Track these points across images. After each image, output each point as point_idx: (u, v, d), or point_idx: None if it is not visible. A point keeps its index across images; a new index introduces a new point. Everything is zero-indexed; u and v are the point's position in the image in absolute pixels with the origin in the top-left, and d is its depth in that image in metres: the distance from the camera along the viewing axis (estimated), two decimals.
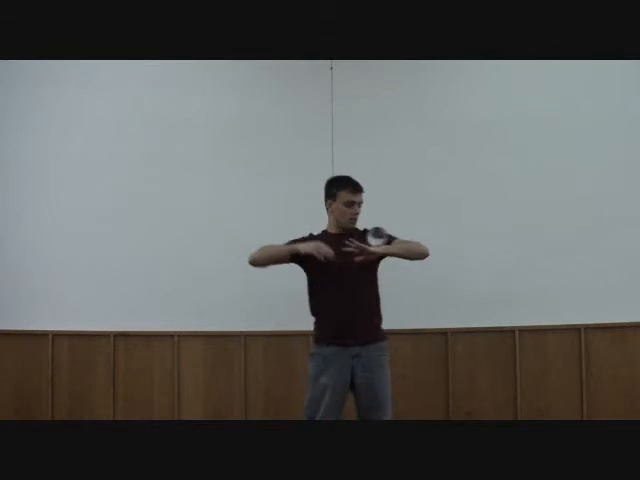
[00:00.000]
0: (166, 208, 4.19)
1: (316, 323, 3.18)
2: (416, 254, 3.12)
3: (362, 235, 3.11)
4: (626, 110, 4.15)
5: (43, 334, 4.14)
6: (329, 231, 3.25)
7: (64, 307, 4.16)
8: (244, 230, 4.12)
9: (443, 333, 4.07)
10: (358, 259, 2.98)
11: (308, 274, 3.19)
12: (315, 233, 3.24)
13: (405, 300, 4.05)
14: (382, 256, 3.12)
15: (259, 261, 3.08)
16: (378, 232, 3.05)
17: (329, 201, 3.20)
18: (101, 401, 4.12)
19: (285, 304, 3.93)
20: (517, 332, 4.04)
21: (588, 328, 4.02)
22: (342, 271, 3.05)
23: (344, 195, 3.14)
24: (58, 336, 4.15)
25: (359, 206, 3.17)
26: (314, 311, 3.18)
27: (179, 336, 4.11)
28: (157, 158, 4.21)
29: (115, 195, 4.20)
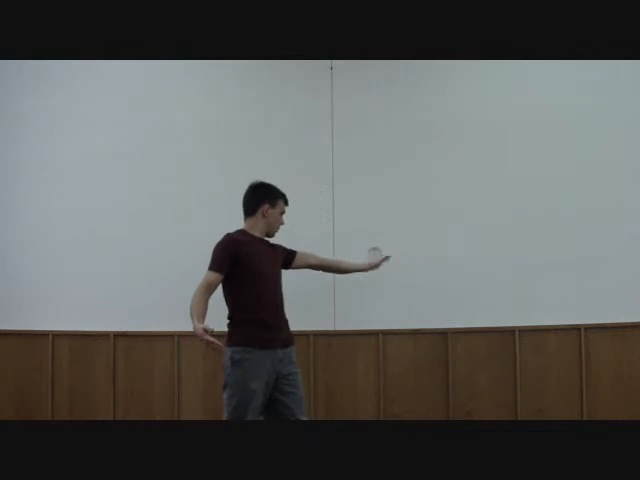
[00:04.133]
0: (166, 208, 4.18)
1: (242, 324, 3.06)
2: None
3: (273, 247, 3.20)
4: (627, 110, 4.15)
5: (43, 334, 4.14)
6: (253, 234, 3.15)
7: (64, 307, 4.16)
8: None
9: (443, 333, 4.06)
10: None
11: (233, 276, 3.06)
12: (232, 231, 3.15)
13: (405, 300, 4.06)
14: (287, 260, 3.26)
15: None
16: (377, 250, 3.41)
17: (266, 206, 3.14)
18: (101, 401, 4.12)
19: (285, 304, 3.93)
20: (517, 332, 4.04)
21: (588, 328, 4.02)
22: (268, 274, 3.08)
23: (281, 204, 3.20)
24: (58, 336, 4.15)
25: None
26: (239, 312, 3.08)
27: (179, 336, 4.10)
28: (158, 158, 4.21)
29: (115, 195, 4.20)
